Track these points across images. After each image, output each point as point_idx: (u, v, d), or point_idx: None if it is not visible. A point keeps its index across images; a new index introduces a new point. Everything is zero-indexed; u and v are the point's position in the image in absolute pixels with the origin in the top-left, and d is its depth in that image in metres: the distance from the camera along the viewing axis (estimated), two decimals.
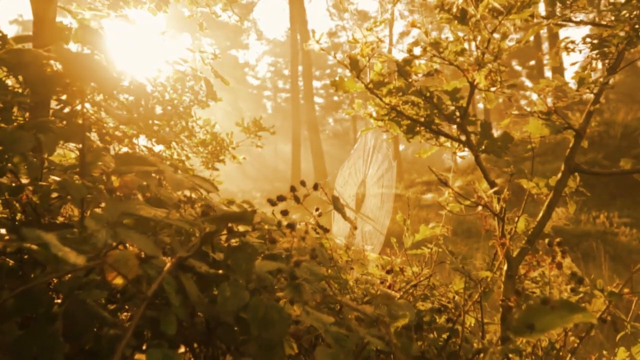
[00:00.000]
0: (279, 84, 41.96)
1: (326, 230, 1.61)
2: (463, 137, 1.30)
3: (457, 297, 1.80)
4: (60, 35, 1.67)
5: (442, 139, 1.43)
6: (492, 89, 1.20)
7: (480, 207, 1.12)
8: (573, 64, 1.45)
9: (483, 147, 1.23)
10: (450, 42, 1.21)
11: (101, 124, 2.72)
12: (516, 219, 1.20)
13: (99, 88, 1.13)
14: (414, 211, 14.61)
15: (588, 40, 1.55)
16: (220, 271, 1.11)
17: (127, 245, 1.14)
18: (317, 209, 1.63)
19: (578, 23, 1.65)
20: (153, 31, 3.37)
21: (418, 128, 1.41)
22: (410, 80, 1.25)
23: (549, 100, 1.43)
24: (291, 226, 0.91)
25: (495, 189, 1.10)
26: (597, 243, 8.74)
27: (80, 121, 1.66)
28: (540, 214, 1.26)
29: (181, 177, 1.13)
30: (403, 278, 1.73)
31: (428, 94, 1.25)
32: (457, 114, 1.27)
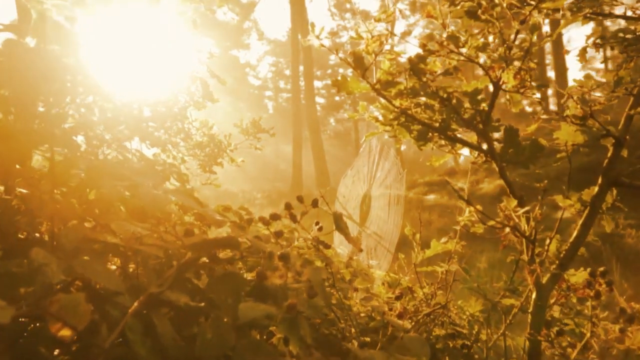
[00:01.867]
0: (280, 84, 41.73)
1: (327, 247, 1.45)
2: (484, 145, 1.13)
3: (472, 321, 1.63)
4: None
5: (458, 145, 1.26)
6: (521, 90, 1.04)
7: (507, 229, 0.96)
8: (605, 60, 1.27)
9: (508, 157, 1.07)
10: (470, 36, 1.05)
11: (89, 127, 2.56)
12: (547, 240, 1.04)
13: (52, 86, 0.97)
14: (417, 212, 14.40)
15: (620, 35, 1.39)
16: (203, 304, 0.94)
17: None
18: (317, 223, 1.47)
19: (606, 16, 1.48)
20: (150, 29, 3.22)
21: (431, 134, 1.24)
22: (425, 79, 1.09)
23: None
24: (284, 258, 0.75)
25: (527, 208, 0.94)
26: (605, 246, 8.54)
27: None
28: (574, 234, 1.09)
29: (157, 193, 0.96)
30: (414, 302, 1.57)
31: (445, 96, 1.09)
32: (478, 118, 1.11)
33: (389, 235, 1.60)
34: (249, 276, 1.65)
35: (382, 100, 1.35)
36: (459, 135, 1.37)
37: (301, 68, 25.12)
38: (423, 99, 1.13)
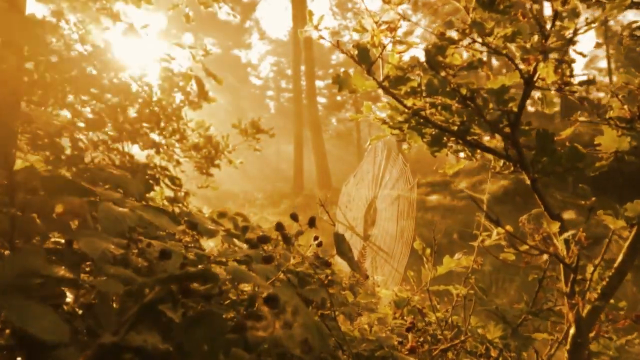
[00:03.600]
0: (281, 83, 41.51)
1: (328, 265, 1.29)
2: (512, 152, 0.96)
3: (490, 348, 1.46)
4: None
5: (478, 152, 1.09)
6: (562, 86, 0.87)
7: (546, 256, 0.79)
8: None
9: (541, 166, 0.90)
10: (496, 23, 0.88)
11: (74, 128, 2.40)
12: (590, 267, 0.87)
13: None
14: (419, 214, 14.21)
15: None
16: (175, 346, 0.78)
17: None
18: (316, 238, 1.31)
19: None
20: (145, 28, 3.08)
21: (446, 139, 1.08)
22: (444, 75, 0.92)
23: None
24: (272, 301, 0.58)
25: (571, 232, 0.77)
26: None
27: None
28: (620, 258, 0.92)
29: (120, 212, 0.79)
30: (422, 323, 1.40)
31: (468, 94, 0.92)
32: (505, 121, 0.94)
33: (398, 255, 1.43)
34: (246, 286, 1.48)
35: (389, 100, 1.18)
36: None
37: (302, 68, 24.92)
38: (440, 98, 0.96)
